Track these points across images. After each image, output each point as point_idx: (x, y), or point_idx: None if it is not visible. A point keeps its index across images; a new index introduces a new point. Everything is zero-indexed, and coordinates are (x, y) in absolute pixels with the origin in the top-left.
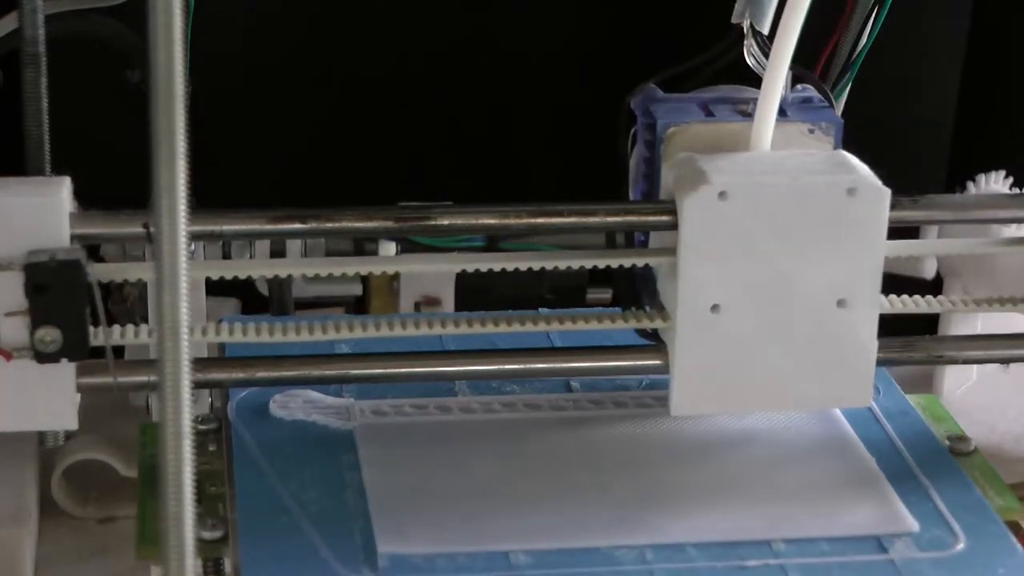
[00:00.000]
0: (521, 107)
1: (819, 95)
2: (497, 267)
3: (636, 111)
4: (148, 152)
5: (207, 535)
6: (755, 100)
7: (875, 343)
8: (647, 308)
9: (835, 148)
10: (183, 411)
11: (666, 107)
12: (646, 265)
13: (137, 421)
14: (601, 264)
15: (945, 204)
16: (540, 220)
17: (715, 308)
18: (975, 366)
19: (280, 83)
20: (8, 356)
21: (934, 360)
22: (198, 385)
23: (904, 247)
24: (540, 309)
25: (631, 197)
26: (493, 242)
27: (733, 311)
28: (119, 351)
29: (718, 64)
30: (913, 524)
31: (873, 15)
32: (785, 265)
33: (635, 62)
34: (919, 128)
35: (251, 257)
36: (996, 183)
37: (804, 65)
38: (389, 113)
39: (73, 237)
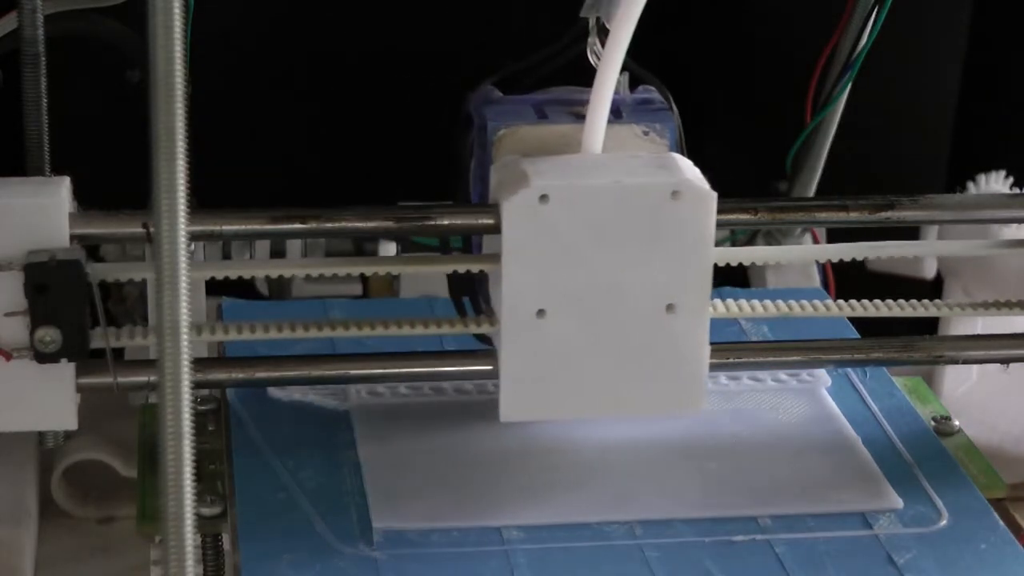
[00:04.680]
0: None
1: (659, 97)
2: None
3: (472, 113)
4: (148, 152)
5: (206, 511)
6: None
7: (706, 348)
8: (480, 312)
9: (671, 151)
10: (183, 411)
11: (499, 109)
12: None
13: (137, 421)
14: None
15: (945, 204)
16: None
17: (540, 313)
18: (975, 366)
19: (280, 83)
20: (8, 356)
21: (934, 360)
22: (198, 385)
23: (905, 249)
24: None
25: (472, 200)
26: None
27: (558, 316)
28: (119, 351)
29: (558, 61)
30: (897, 501)
31: (873, 15)
32: (610, 269)
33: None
34: (919, 128)
35: (251, 257)
36: (996, 183)
37: (804, 65)
38: (390, 113)
39: (73, 237)
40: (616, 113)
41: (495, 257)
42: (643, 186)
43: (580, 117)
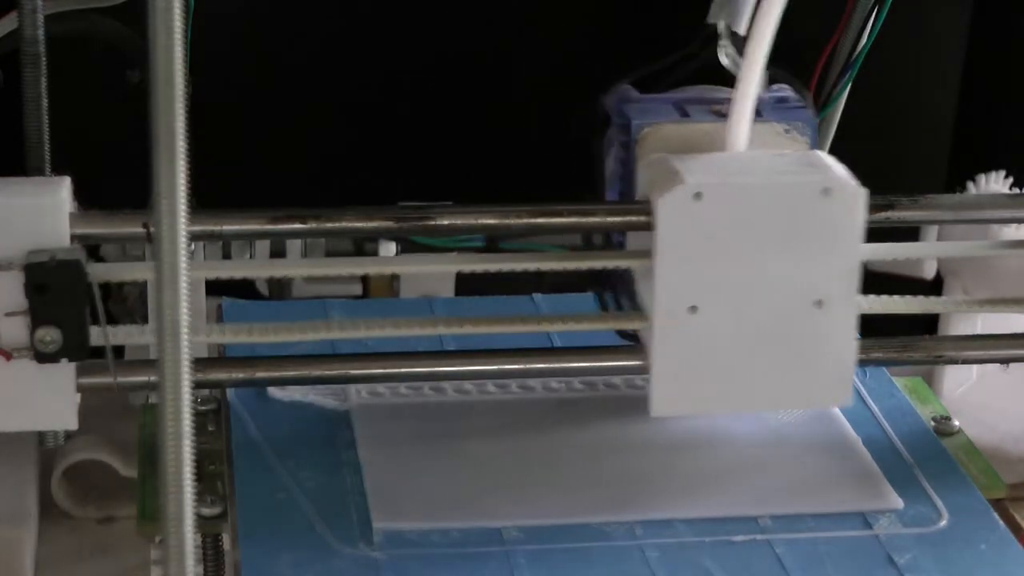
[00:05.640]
0: (522, 106)
1: (795, 95)
2: (497, 267)
3: (610, 112)
4: (148, 152)
5: (206, 511)
6: (729, 100)
7: (854, 343)
8: (625, 308)
9: (811, 148)
10: (183, 411)
11: (640, 107)
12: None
13: (137, 421)
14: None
15: (945, 204)
16: (540, 220)
17: (692, 309)
18: (975, 366)
19: (281, 83)
20: (8, 356)
21: (934, 360)
22: (198, 385)
23: (905, 250)
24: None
25: (607, 198)
26: (493, 242)
27: (710, 312)
28: (119, 351)
29: (694, 64)
30: (898, 501)
31: (873, 15)
32: (760, 266)
33: (628, 61)
34: (919, 128)
35: (251, 257)
36: (996, 183)
37: (805, 65)
38: (390, 113)
39: (73, 237)
40: (756, 112)
41: (644, 253)
42: (795, 184)
43: (721, 115)
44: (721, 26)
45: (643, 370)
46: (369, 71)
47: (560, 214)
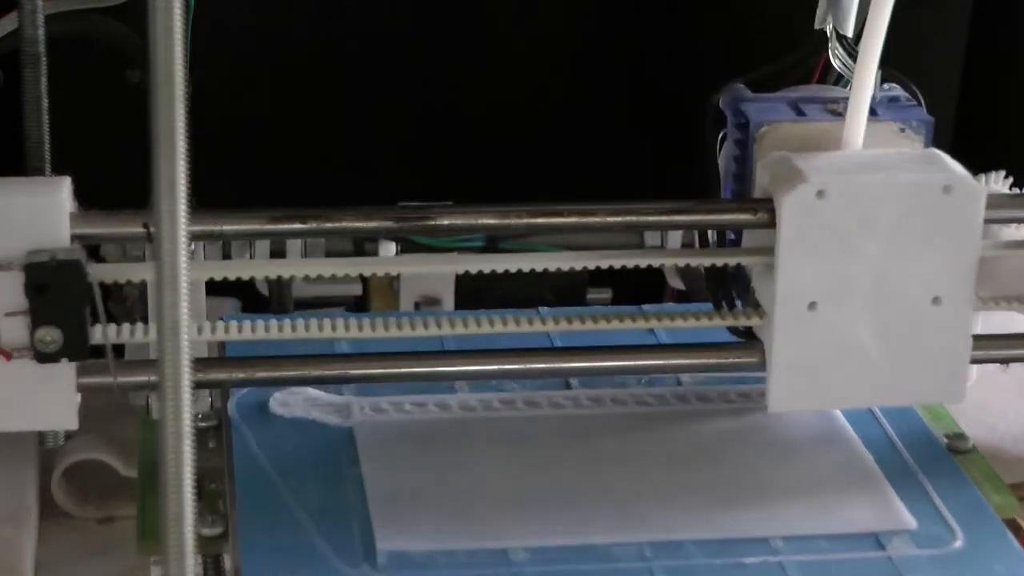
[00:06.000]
0: (523, 107)
1: (906, 94)
2: (497, 267)
3: (726, 111)
4: (148, 152)
5: (207, 531)
6: (844, 99)
7: (969, 340)
8: (739, 305)
9: (926, 147)
10: (183, 411)
11: (757, 106)
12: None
13: (137, 421)
14: (603, 264)
15: None
16: (540, 220)
17: (812, 306)
18: (975, 366)
19: (281, 83)
20: (8, 356)
21: None
22: (198, 385)
23: None
24: (642, 306)
25: (722, 196)
26: (493, 242)
27: (830, 308)
28: (119, 351)
29: (806, 65)
30: (911, 521)
31: None
32: (881, 262)
33: (636, 63)
34: None
35: (251, 257)
36: (996, 183)
37: (804, 65)
38: (390, 112)
39: (73, 237)
40: (871, 111)
41: (765, 251)
42: (916, 181)
43: (836, 114)
44: (829, 29)
45: (758, 367)
46: (369, 71)
47: (560, 214)
